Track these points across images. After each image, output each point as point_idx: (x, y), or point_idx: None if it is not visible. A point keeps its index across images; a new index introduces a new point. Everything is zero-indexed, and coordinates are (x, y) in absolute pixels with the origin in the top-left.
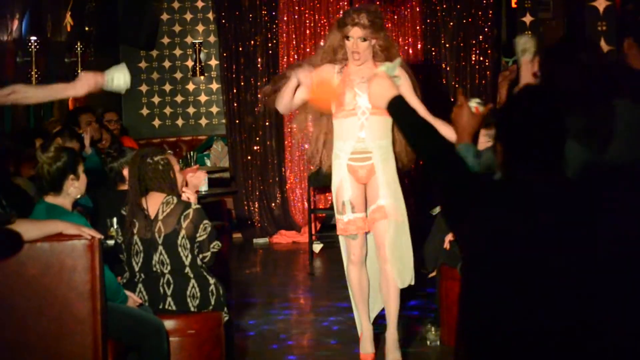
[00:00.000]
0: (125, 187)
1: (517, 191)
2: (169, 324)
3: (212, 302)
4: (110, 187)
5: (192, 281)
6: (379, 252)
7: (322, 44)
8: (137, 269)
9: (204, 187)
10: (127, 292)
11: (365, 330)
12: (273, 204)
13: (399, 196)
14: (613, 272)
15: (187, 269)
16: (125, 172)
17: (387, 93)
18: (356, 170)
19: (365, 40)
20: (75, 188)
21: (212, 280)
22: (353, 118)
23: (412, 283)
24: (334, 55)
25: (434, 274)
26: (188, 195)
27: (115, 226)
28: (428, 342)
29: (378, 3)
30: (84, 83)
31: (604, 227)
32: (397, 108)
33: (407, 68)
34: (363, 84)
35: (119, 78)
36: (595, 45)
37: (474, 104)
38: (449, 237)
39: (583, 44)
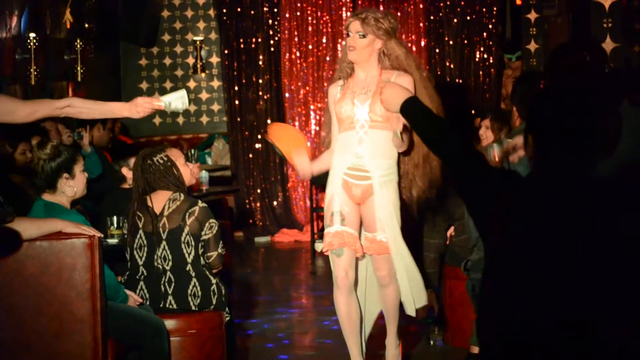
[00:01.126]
0: (127, 185)
1: (544, 186)
2: (169, 323)
3: (214, 302)
4: (113, 186)
5: (194, 280)
6: (379, 278)
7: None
8: (140, 263)
9: (205, 186)
10: (128, 292)
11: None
12: (275, 203)
13: (398, 226)
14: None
15: (189, 267)
16: (124, 170)
17: (400, 97)
18: (350, 187)
19: (364, 37)
20: (69, 187)
21: (213, 280)
22: (351, 132)
23: (425, 303)
24: (347, 67)
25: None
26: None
27: (115, 225)
28: (431, 342)
29: (381, 0)
30: (142, 109)
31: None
32: (411, 109)
33: (425, 81)
34: (363, 95)
35: (176, 104)
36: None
37: (494, 150)
38: (450, 231)
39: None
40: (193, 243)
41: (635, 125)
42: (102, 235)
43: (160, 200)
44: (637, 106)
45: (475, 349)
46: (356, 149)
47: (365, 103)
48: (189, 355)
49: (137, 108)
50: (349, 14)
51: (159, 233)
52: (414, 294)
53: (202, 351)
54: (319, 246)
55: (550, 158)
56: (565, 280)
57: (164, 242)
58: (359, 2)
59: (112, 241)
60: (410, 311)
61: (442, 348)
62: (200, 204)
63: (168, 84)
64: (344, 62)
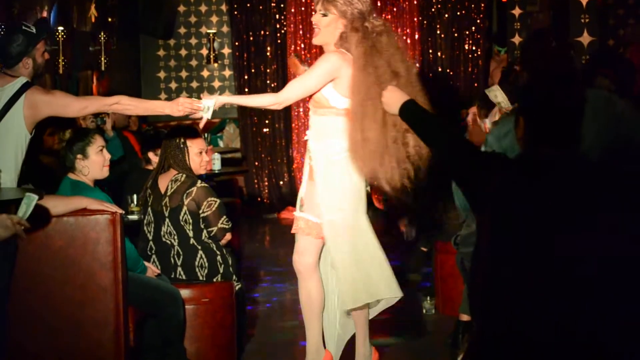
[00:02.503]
0: (150, 167)
1: (535, 168)
2: (184, 292)
3: (221, 271)
4: (134, 167)
5: (200, 252)
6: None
7: None
8: (150, 238)
9: (217, 167)
10: (146, 263)
11: (310, 345)
12: (281, 182)
13: (341, 213)
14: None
15: (192, 241)
16: (150, 155)
17: (398, 100)
18: (311, 168)
19: (325, 15)
20: (84, 167)
21: (218, 252)
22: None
23: (359, 305)
24: (340, 45)
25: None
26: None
27: (135, 202)
28: (424, 311)
29: None
30: (183, 108)
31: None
32: (408, 112)
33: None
34: None
35: (209, 113)
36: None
37: (485, 122)
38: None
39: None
40: (191, 220)
41: (596, 107)
42: (124, 212)
43: (165, 180)
44: (597, 89)
45: (464, 317)
46: (308, 131)
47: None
48: (202, 321)
49: (178, 107)
50: None
51: (162, 211)
52: (347, 293)
53: (215, 318)
54: (268, 217)
55: (540, 138)
56: (551, 256)
57: (167, 220)
58: None
59: (133, 217)
60: (342, 305)
61: (434, 315)
62: (199, 184)
63: (184, 73)
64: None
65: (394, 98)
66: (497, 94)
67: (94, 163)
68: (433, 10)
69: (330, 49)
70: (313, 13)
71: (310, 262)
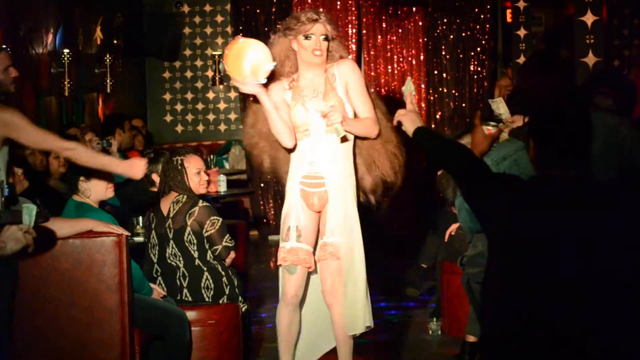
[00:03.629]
0: (155, 188)
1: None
2: (190, 314)
3: (227, 293)
4: (139, 189)
5: (206, 274)
6: (325, 295)
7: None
8: (155, 260)
9: (222, 188)
10: (152, 285)
11: None
12: None
13: (355, 234)
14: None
15: (198, 262)
16: (154, 176)
17: (414, 124)
18: (309, 196)
19: (326, 39)
20: (86, 189)
21: (223, 273)
22: (306, 139)
23: (370, 325)
24: (281, 69)
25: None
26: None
27: (140, 224)
28: (430, 332)
29: (384, 17)
30: (137, 169)
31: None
32: (422, 135)
33: (358, 69)
34: (315, 99)
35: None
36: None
37: (488, 126)
38: (450, 230)
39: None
40: (196, 241)
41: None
42: (129, 234)
43: (167, 202)
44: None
45: (471, 338)
46: (309, 157)
47: (318, 107)
48: (208, 343)
49: (132, 169)
50: (354, 30)
51: (167, 233)
52: (353, 315)
53: (221, 340)
54: (273, 239)
55: (550, 159)
56: (563, 279)
57: (171, 242)
58: (364, 20)
59: (138, 239)
60: (349, 330)
61: (440, 337)
62: (201, 204)
63: (189, 95)
64: (286, 66)
65: (410, 122)
66: (499, 106)
67: (97, 185)
68: (438, 31)
69: (315, 66)
70: (306, 37)
71: (302, 295)
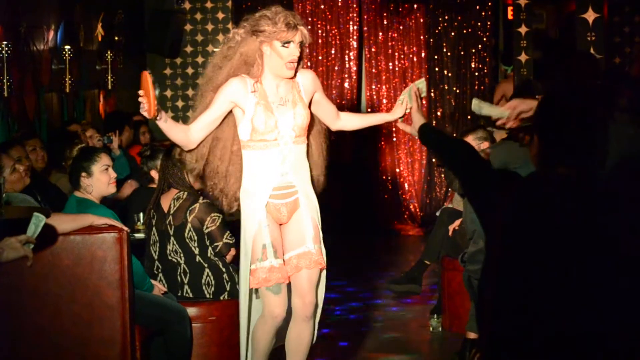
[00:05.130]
0: (154, 185)
1: (544, 187)
2: (191, 310)
3: (228, 289)
4: (141, 185)
5: (207, 270)
6: (300, 306)
7: (217, 59)
8: (155, 257)
9: None
10: (153, 281)
11: None
12: None
13: (321, 238)
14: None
15: (199, 258)
16: (153, 173)
17: (417, 122)
18: (278, 209)
19: (302, 45)
20: (88, 185)
21: (224, 269)
22: (274, 149)
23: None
24: (248, 69)
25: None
26: None
27: (141, 221)
28: (431, 329)
29: (385, 14)
30: (9, 252)
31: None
32: (429, 133)
33: (317, 78)
34: (283, 107)
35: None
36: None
37: (481, 141)
38: (454, 225)
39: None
40: (196, 237)
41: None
42: (130, 230)
43: (167, 199)
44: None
45: (471, 335)
46: (279, 167)
47: (286, 116)
48: (209, 339)
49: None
50: (355, 27)
51: (167, 230)
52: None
53: (221, 336)
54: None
55: (555, 156)
56: (563, 277)
57: (172, 238)
58: (365, 17)
59: (139, 235)
60: (312, 340)
61: (441, 333)
62: (201, 200)
63: (190, 92)
64: (255, 70)
65: (414, 121)
66: (481, 106)
67: (98, 181)
68: (439, 28)
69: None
70: (284, 45)
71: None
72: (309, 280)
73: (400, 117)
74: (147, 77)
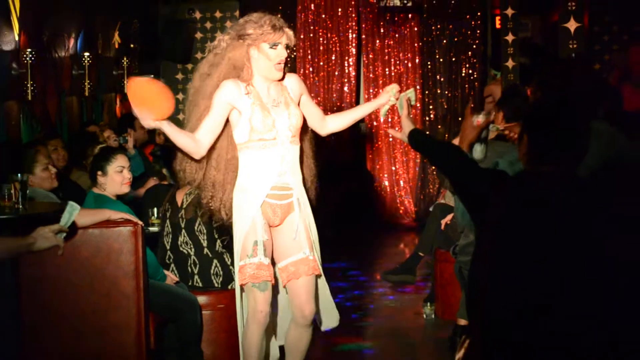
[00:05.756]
0: (166, 182)
1: (534, 184)
2: (201, 299)
3: (235, 279)
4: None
5: (215, 261)
6: (299, 316)
7: (203, 68)
8: (168, 247)
9: None
10: (165, 271)
11: None
12: None
13: (316, 246)
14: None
15: (207, 251)
16: (164, 170)
17: (406, 128)
18: (274, 209)
19: (287, 48)
20: (103, 183)
21: (229, 261)
22: (273, 149)
23: (336, 324)
24: (237, 74)
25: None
26: None
27: (155, 215)
28: (424, 316)
29: (382, 23)
30: (42, 242)
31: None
32: (418, 138)
33: (303, 81)
34: (277, 108)
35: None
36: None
37: (478, 117)
38: (446, 220)
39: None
40: (205, 231)
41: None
42: (144, 224)
43: (181, 194)
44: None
45: (462, 321)
46: (278, 166)
47: (282, 116)
48: (218, 326)
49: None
50: (354, 35)
51: (179, 223)
52: (325, 314)
53: (230, 323)
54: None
55: (542, 155)
56: (549, 271)
57: (183, 231)
58: (363, 26)
59: (153, 229)
60: (328, 324)
61: (433, 320)
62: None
63: None
64: (245, 73)
65: (405, 125)
66: (409, 95)
67: (112, 180)
68: (432, 36)
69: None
70: (273, 46)
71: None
72: (307, 289)
73: (384, 104)
74: (143, 84)
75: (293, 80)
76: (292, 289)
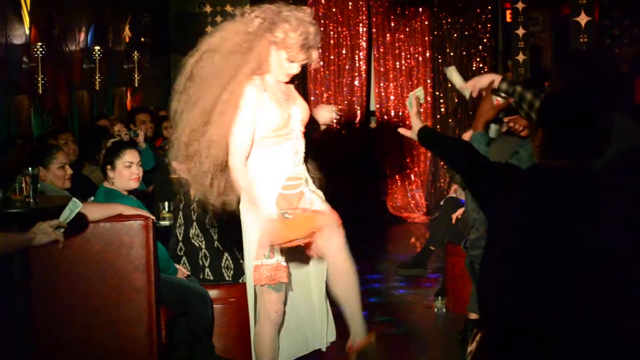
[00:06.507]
0: (176, 176)
1: (546, 179)
2: (212, 293)
3: (247, 276)
4: (164, 176)
5: (226, 254)
6: (336, 241)
7: (228, 45)
8: (180, 238)
9: None
10: (177, 265)
11: None
12: None
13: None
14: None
15: (217, 244)
16: (174, 164)
17: (417, 125)
18: (288, 199)
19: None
20: (111, 177)
21: (240, 254)
22: (287, 143)
23: (334, 339)
24: (259, 70)
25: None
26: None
27: (166, 209)
28: (435, 310)
29: (392, 17)
30: (41, 237)
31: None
32: (428, 135)
33: None
34: (289, 102)
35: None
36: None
37: (497, 97)
38: (457, 214)
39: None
40: (216, 224)
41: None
42: (155, 218)
43: None
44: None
45: (473, 315)
46: (292, 159)
47: (294, 109)
48: (229, 320)
49: (36, 238)
50: (365, 29)
51: (191, 216)
52: (325, 329)
53: (240, 316)
54: None
55: (557, 149)
56: (561, 264)
57: (194, 223)
58: (374, 19)
59: (164, 223)
60: (322, 344)
61: (444, 314)
62: None
63: None
64: (263, 68)
65: (414, 122)
66: (452, 74)
67: (120, 175)
68: (443, 30)
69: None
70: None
71: None
72: (332, 227)
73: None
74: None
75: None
76: (319, 240)
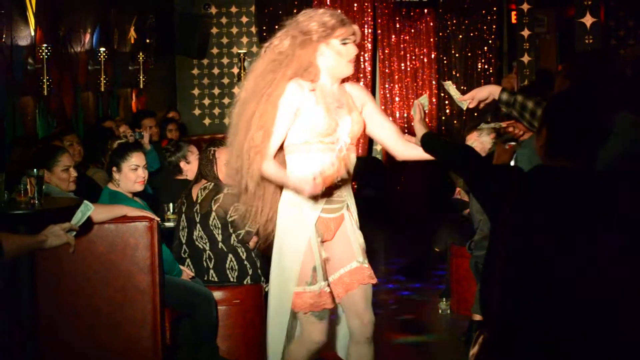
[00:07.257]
0: (181, 177)
1: (549, 179)
2: (217, 294)
3: (250, 274)
4: (169, 177)
5: (230, 255)
6: (358, 327)
7: (261, 66)
8: (183, 241)
9: None
10: (181, 267)
11: None
12: None
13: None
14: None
15: (221, 245)
16: (182, 164)
17: (419, 132)
18: (327, 224)
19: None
20: (117, 179)
21: (246, 255)
22: (329, 154)
23: None
24: (302, 75)
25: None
26: None
27: (171, 210)
28: (440, 311)
29: (398, 18)
30: (53, 239)
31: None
32: (431, 141)
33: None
34: (340, 110)
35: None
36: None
37: (509, 142)
38: (466, 211)
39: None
40: (220, 225)
41: (623, 127)
42: (160, 220)
43: (197, 189)
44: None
45: (477, 316)
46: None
47: (344, 120)
48: (233, 321)
49: (47, 240)
50: (370, 30)
51: (194, 217)
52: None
53: (245, 318)
54: None
55: (560, 149)
56: (562, 265)
57: (198, 225)
58: (379, 21)
59: (169, 224)
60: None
61: (449, 315)
62: (226, 190)
63: (216, 90)
64: (311, 73)
65: (417, 131)
66: (449, 88)
67: (125, 177)
68: (448, 31)
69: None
70: (344, 43)
71: None
72: (365, 297)
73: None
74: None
75: (356, 88)
76: (348, 301)
